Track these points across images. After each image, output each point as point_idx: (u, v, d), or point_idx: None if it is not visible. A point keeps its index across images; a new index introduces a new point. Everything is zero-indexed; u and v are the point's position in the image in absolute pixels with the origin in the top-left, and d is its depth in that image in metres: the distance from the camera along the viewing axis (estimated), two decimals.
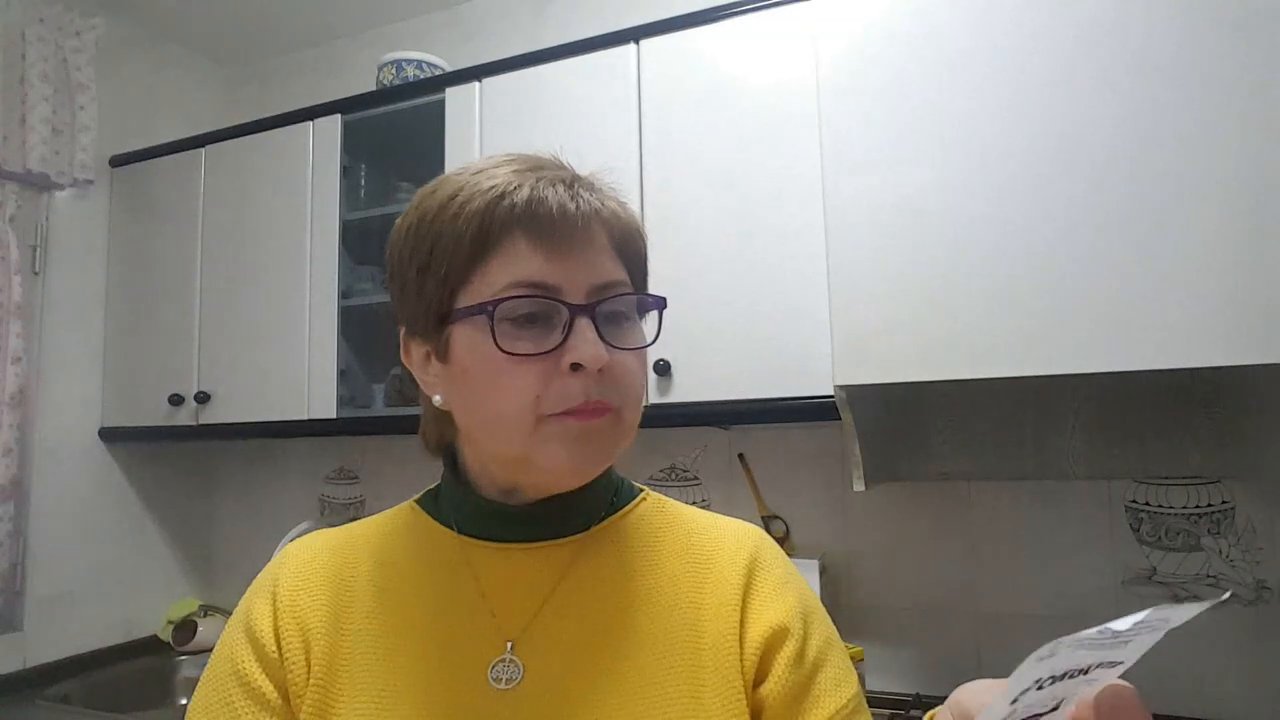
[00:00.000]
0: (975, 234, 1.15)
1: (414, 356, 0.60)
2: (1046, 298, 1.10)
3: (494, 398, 0.54)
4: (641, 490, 0.68)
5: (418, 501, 0.67)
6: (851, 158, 1.23)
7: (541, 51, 1.63)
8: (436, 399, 0.59)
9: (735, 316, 1.39)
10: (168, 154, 2.04)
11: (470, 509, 0.61)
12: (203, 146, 1.99)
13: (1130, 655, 0.34)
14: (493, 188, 0.55)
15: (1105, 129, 1.09)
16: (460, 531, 0.61)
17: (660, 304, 0.60)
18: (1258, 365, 1.01)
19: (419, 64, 1.88)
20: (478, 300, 0.54)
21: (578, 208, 0.55)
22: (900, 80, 1.21)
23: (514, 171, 0.56)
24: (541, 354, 0.53)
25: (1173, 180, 1.05)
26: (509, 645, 0.57)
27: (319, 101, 1.88)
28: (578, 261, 0.55)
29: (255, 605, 0.60)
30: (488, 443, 0.57)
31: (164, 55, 2.30)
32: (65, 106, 1.94)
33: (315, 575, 0.61)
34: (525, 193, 0.54)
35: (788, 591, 0.60)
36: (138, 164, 2.08)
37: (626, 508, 0.65)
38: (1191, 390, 1.39)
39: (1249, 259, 1.01)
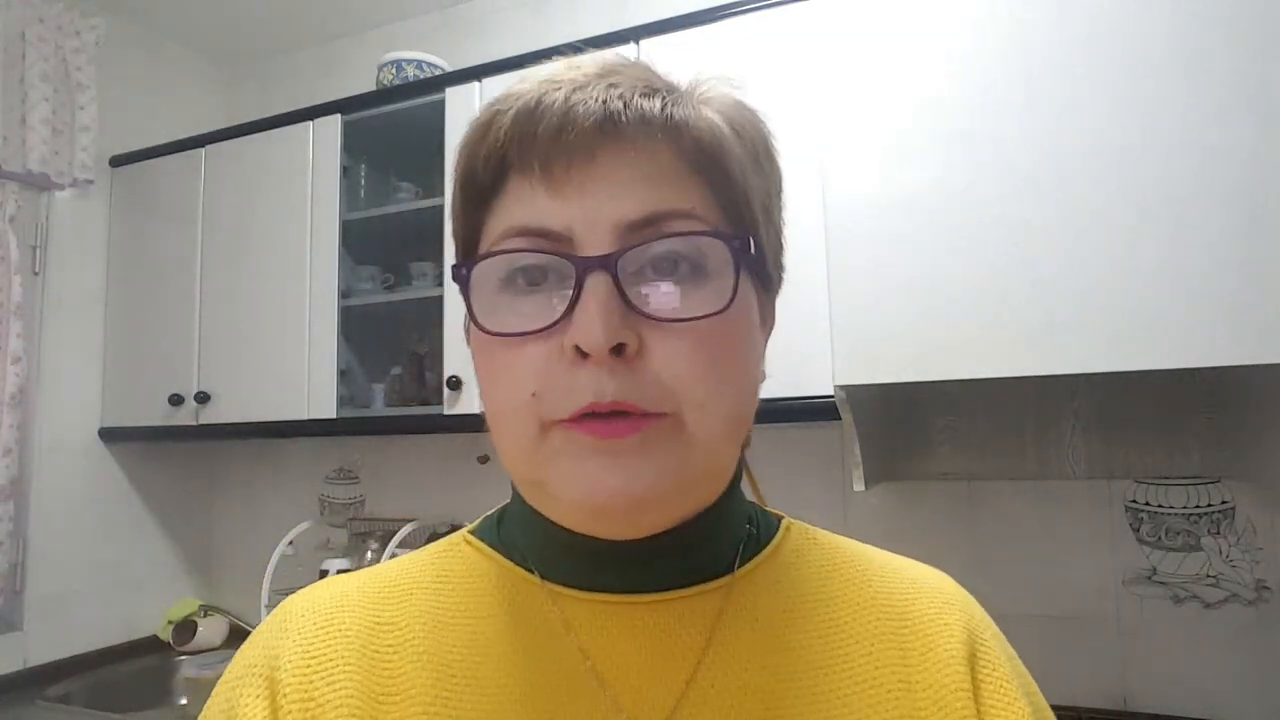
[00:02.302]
0: (975, 234, 1.15)
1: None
2: (1047, 298, 1.10)
3: (490, 393, 0.40)
4: (780, 515, 0.50)
5: (474, 533, 0.48)
6: (851, 158, 1.23)
7: (541, 51, 1.61)
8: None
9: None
10: (168, 154, 2.04)
11: (546, 544, 0.43)
12: (203, 146, 1.99)
13: None
14: (483, 111, 0.40)
15: (1105, 129, 1.09)
16: (544, 577, 0.43)
17: (735, 246, 0.38)
18: (1258, 365, 1.01)
19: (419, 64, 1.88)
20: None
21: (592, 111, 0.37)
22: (900, 80, 1.21)
23: (541, 81, 0.40)
24: (537, 331, 0.37)
25: (1173, 180, 1.05)
26: None
27: (319, 101, 1.88)
28: (598, 191, 0.37)
29: (243, 701, 0.40)
30: (500, 456, 0.41)
31: (164, 55, 2.30)
32: (65, 106, 1.94)
33: (336, 648, 0.41)
34: (516, 105, 0.38)
35: (1021, 685, 0.44)
36: (138, 164, 2.08)
37: (775, 540, 0.47)
38: (1191, 390, 1.39)
39: (1249, 259, 1.01)
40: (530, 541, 0.44)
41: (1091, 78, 1.10)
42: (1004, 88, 1.15)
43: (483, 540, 0.47)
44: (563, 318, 0.37)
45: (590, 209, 0.37)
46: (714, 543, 0.44)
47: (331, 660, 0.40)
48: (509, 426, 0.39)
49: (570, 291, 0.37)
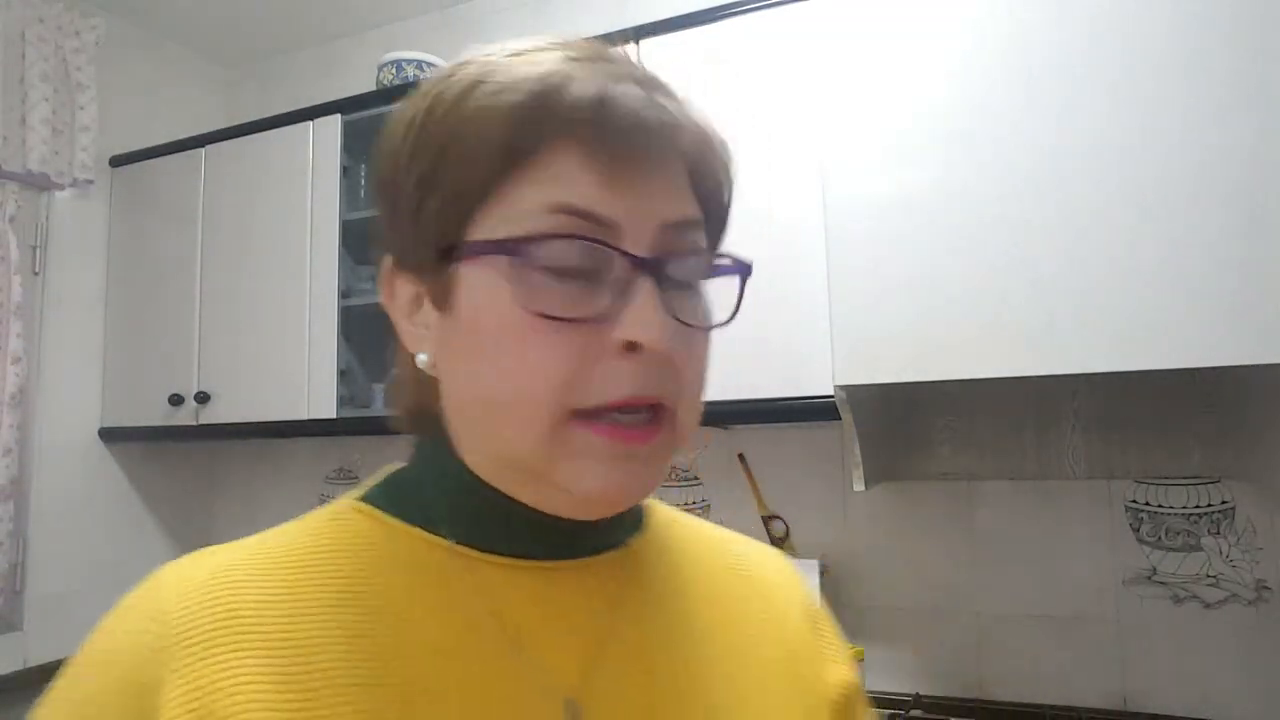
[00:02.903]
0: (975, 234, 1.15)
1: (398, 296, 0.43)
2: (1047, 298, 1.10)
3: (509, 373, 0.38)
4: None
5: (365, 500, 0.45)
6: (851, 158, 1.23)
7: None
8: (421, 358, 0.42)
9: (736, 316, 1.38)
10: (168, 154, 2.04)
11: (476, 509, 0.43)
12: (203, 146, 1.99)
13: None
14: (539, 77, 0.39)
15: (1105, 129, 1.09)
16: (459, 542, 0.43)
17: (744, 271, 0.43)
18: (1258, 365, 1.01)
19: (419, 64, 1.88)
20: (501, 232, 0.38)
21: (656, 116, 0.39)
22: (900, 80, 1.21)
23: (568, 59, 0.40)
24: (584, 320, 0.38)
25: (1173, 180, 1.05)
26: (565, 704, 0.40)
27: (319, 101, 1.88)
28: (646, 191, 0.39)
29: (99, 705, 0.36)
30: (486, 434, 0.41)
31: (164, 55, 2.30)
32: (65, 106, 1.94)
33: (226, 627, 0.37)
34: (589, 88, 0.38)
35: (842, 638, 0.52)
36: (138, 164, 2.08)
37: (648, 515, 0.51)
38: (1191, 390, 1.39)
39: (1249, 259, 1.01)
40: (454, 508, 0.43)
41: (1092, 78, 1.10)
42: (1004, 88, 1.15)
43: (377, 508, 0.44)
44: (611, 310, 0.38)
45: (642, 207, 0.39)
46: (624, 516, 0.46)
47: (220, 643, 0.36)
48: (519, 411, 0.38)
49: (612, 286, 0.38)
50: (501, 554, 0.43)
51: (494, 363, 0.39)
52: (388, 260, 0.44)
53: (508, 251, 0.38)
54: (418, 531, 0.43)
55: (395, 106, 0.44)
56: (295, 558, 0.41)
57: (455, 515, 0.43)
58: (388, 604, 0.40)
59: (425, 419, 0.45)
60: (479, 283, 0.39)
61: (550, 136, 0.38)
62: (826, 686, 0.49)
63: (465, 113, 0.39)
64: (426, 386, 0.44)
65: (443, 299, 0.41)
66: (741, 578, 0.51)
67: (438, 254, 0.40)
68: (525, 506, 0.42)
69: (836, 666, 0.50)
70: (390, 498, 0.45)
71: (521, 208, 0.38)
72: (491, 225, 0.39)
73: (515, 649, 0.40)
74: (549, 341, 0.37)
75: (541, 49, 0.41)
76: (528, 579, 0.43)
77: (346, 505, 0.45)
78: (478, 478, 0.42)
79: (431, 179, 0.40)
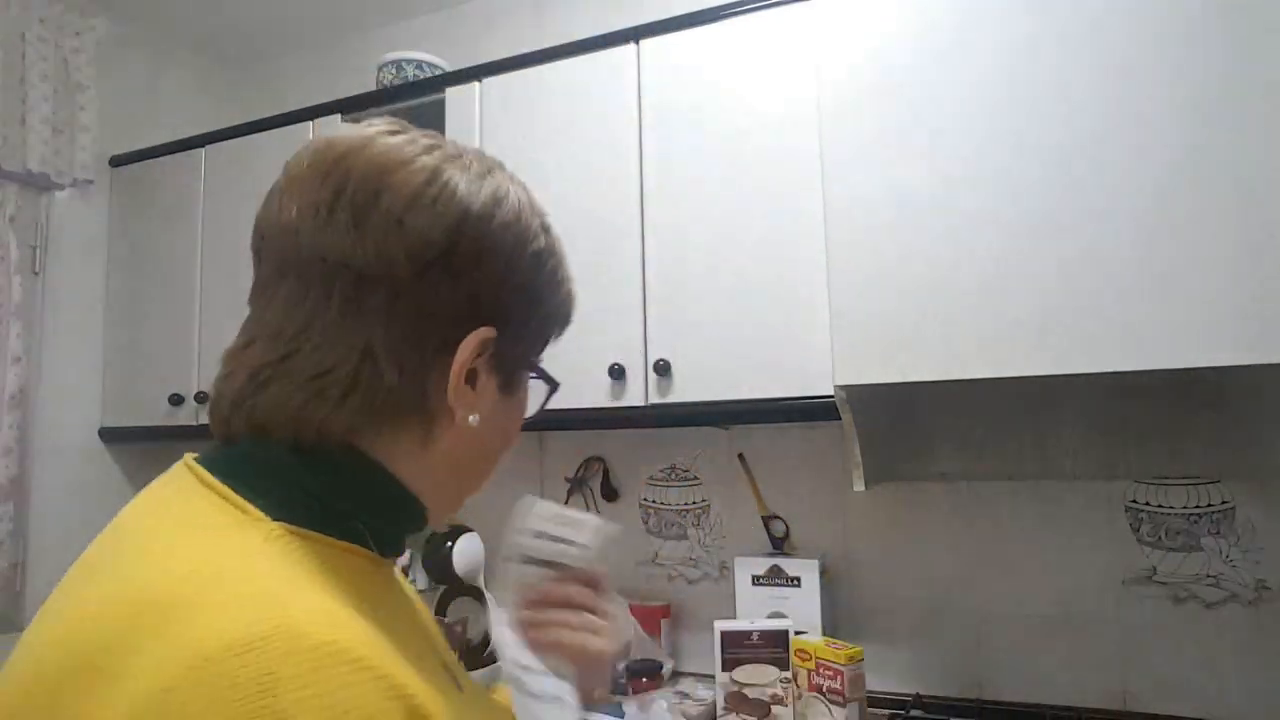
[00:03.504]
0: (975, 234, 1.15)
1: (462, 362, 0.50)
2: (1046, 297, 1.10)
3: (504, 440, 0.58)
4: None
5: (298, 524, 0.45)
6: (851, 157, 1.23)
7: (541, 51, 1.63)
8: (473, 419, 0.51)
9: (735, 316, 1.39)
10: (168, 154, 2.04)
11: (400, 520, 0.52)
12: (203, 146, 1.99)
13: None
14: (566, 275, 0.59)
15: (1105, 128, 1.09)
16: (384, 554, 0.51)
17: None
18: (1258, 365, 1.01)
19: (419, 64, 1.88)
20: (542, 366, 0.58)
21: None
22: (900, 80, 1.21)
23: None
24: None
25: (1173, 179, 1.05)
26: (445, 669, 0.53)
27: (319, 101, 1.88)
28: None
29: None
30: (483, 471, 0.58)
31: (164, 55, 2.30)
32: (65, 106, 1.94)
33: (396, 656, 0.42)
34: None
35: None
36: (138, 164, 2.08)
37: None
38: (1191, 390, 1.39)
39: (1249, 259, 1.01)
40: (384, 522, 0.51)
41: (1091, 77, 1.10)
42: (1004, 87, 1.15)
43: (313, 529, 0.45)
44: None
45: None
46: None
47: (401, 662, 0.41)
48: (498, 462, 0.58)
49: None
50: (392, 556, 0.54)
51: (512, 434, 0.59)
52: (489, 335, 0.51)
53: (550, 383, 0.58)
54: (342, 544, 0.47)
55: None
56: (347, 591, 0.43)
57: (383, 526, 0.51)
58: (382, 620, 0.44)
59: (333, 440, 0.48)
60: (526, 389, 0.58)
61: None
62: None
63: (564, 277, 0.58)
64: (369, 408, 0.48)
65: (513, 388, 0.56)
66: None
67: (525, 357, 0.56)
68: (425, 517, 0.54)
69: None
70: (300, 515, 0.45)
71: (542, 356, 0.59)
72: (541, 359, 0.58)
73: (427, 634, 0.56)
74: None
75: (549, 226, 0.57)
76: (395, 574, 0.56)
77: (278, 529, 0.43)
78: (411, 493, 0.52)
79: (554, 314, 0.57)
